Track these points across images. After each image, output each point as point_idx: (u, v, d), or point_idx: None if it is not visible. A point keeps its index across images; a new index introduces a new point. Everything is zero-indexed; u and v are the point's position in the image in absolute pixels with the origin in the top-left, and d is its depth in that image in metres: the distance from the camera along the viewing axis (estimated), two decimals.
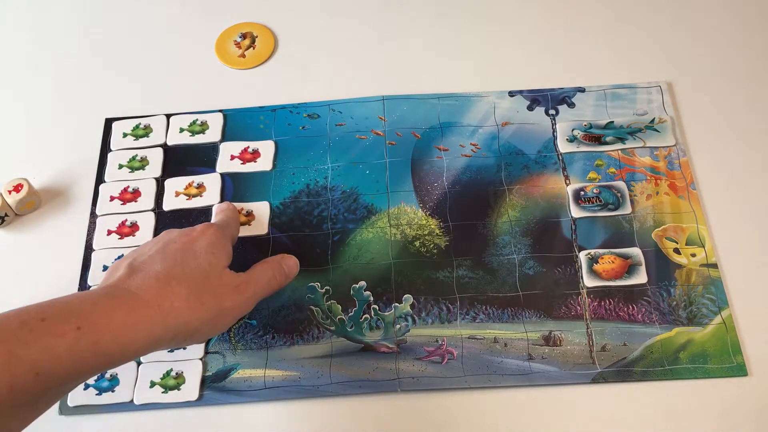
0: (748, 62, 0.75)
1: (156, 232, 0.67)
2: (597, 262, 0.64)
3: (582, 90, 0.73)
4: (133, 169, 0.71)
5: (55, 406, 0.60)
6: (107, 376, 0.60)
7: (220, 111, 0.74)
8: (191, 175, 0.70)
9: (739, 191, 0.67)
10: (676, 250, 0.64)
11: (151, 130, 0.73)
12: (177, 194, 0.69)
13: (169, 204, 0.69)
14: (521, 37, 0.78)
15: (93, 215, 0.68)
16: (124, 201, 0.69)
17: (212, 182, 0.70)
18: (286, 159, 0.71)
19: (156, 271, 0.52)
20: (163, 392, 0.60)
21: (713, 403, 0.58)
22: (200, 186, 0.69)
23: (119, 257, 0.66)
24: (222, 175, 0.70)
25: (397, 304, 0.63)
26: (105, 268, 0.65)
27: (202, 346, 0.62)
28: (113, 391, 0.60)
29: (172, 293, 0.51)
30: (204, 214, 0.68)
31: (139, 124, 0.73)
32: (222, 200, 0.69)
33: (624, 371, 0.59)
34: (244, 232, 0.67)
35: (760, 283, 0.63)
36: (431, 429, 0.58)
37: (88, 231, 0.68)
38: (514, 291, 0.63)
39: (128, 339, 0.48)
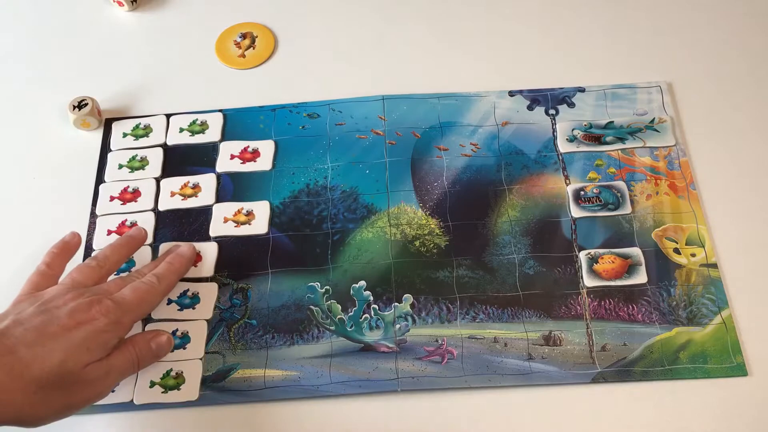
0: (748, 62, 0.75)
1: (156, 232, 0.67)
2: (597, 262, 0.64)
3: (582, 90, 0.73)
4: (133, 169, 0.71)
5: None
6: None
7: (220, 111, 0.74)
8: (191, 174, 0.70)
9: (739, 191, 0.67)
10: (676, 250, 0.64)
11: (151, 130, 0.73)
12: (173, 194, 0.69)
13: (165, 204, 0.69)
14: (521, 36, 0.78)
15: (93, 215, 0.68)
16: (124, 201, 0.69)
17: (207, 182, 0.69)
18: (286, 158, 0.71)
19: (14, 358, 0.49)
20: (162, 392, 0.60)
21: (713, 403, 0.58)
22: (195, 186, 0.69)
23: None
24: (218, 174, 0.70)
25: (396, 303, 0.63)
26: None
27: (203, 344, 0.62)
28: (113, 391, 0.59)
29: (16, 388, 0.49)
30: (203, 214, 0.68)
31: (139, 124, 0.73)
32: (218, 200, 0.69)
33: (624, 371, 0.59)
34: (245, 231, 0.67)
35: (760, 283, 0.63)
36: (431, 429, 0.58)
37: (88, 231, 0.68)
38: (514, 291, 0.63)
39: None
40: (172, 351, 0.61)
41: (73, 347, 0.52)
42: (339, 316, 0.63)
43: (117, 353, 0.56)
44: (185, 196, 0.69)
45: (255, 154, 0.71)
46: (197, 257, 0.65)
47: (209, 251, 0.66)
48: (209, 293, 0.64)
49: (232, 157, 0.71)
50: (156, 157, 0.71)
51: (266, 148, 0.71)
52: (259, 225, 0.67)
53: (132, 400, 0.59)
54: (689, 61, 0.75)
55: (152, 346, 0.58)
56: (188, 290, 0.64)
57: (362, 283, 0.64)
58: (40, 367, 0.50)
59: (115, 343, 0.55)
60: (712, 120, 0.71)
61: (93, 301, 0.55)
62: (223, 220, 0.67)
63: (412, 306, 0.63)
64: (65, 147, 0.73)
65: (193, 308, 0.63)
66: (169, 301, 0.63)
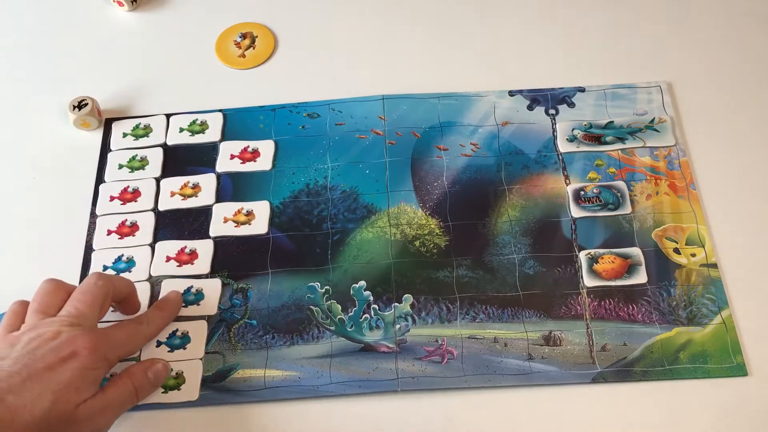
0: (748, 62, 0.75)
1: (156, 233, 0.67)
2: (597, 262, 0.64)
3: (582, 90, 0.73)
4: (133, 169, 0.71)
5: None
6: (107, 375, 0.60)
7: (220, 111, 0.74)
8: (191, 174, 0.70)
9: (739, 191, 0.67)
10: (676, 250, 0.64)
11: (151, 130, 0.73)
12: (173, 194, 0.69)
13: (165, 204, 0.69)
14: (521, 36, 0.78)
15: (93, 215, 0.68)
16: (124, 201, 0.69)
17: (207, 182, 0.69)
18: (286, 158, 0.71)
19: (2, 407, 0.48)
20: (162, 392, 0.59)
21: (713, 403, 0.58)
22: (195, 186, 0.69)
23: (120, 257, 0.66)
24: (218, 174, 0.70)
25: (396, 303, 0.63)
26: (105, 268, 0.65)
27: (203, 344, 0.62)
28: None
29: None
30: (202, 214, 0.68)
31: (139, 124, 0.73)
32: (218, 200, 0.69)
33: (624, 371, 0.59)
34: (245, 231, 0.67)
35: (760, 283, 0.63)
36: (431, 429, 0.58)
37: (88, 231, 0.68)
38: (514, 291, 0.63)
39: None
40: (172, 351, 0.61)
41: (61, 388, 0.50)
42: (339, 316, 0.63)
43: (113, 387, 0.55)
44: (185, 196, 0.69)
45: (255, 154, 0.71)
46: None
47: (205, 248, 0.66)
48: (213, 290, 0.64)
49: (232, 157, 0.71)
50: (156, 157, 0.71)
51: (266, 148, 0.71)
52: (259, 225, 0.67)
53: None
54: (689, 61, 0.75)
55: (150, 376, 0.57)
56: (192, 287, 0.64)
57: (362, 283, 0.64)
58: (31, 413, 0.49)
59: (101, 373, 0.54)
60: (712, 120, 0.71)
61: (77, 335, 0.53)
62: (223, 220, 0.67)
63: (412, 306, 0.63)
64: (65, 147, 0.73)
65: (198, 304, 0.63)
66: None
